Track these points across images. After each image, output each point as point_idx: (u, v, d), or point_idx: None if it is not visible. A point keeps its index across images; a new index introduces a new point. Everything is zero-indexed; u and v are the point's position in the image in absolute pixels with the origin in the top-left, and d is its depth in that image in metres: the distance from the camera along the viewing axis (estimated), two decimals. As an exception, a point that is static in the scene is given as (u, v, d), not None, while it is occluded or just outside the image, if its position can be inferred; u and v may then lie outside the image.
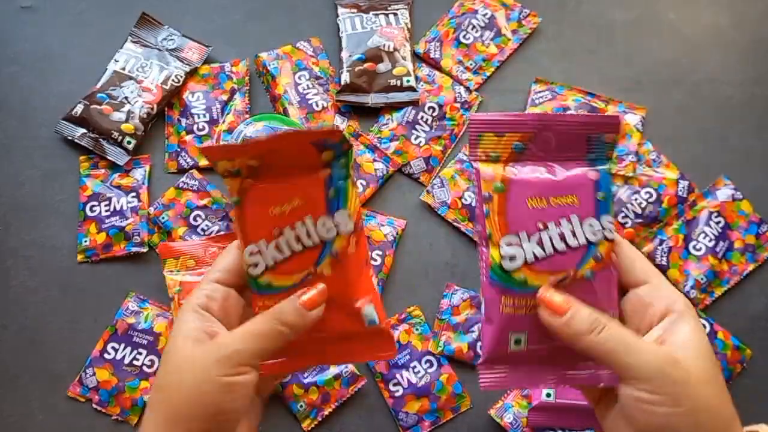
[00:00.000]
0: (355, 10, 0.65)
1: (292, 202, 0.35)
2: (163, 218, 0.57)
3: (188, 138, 0.60)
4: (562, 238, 0.34)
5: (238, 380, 0.33)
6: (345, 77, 0.61)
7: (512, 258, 0.34)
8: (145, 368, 0.53)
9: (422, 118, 0.61)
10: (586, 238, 0.35)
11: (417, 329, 0.56)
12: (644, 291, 0.35)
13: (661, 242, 0.58)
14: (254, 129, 0.52)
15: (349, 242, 0.35)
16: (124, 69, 0.62)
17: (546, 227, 0.34)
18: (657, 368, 0.31)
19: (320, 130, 0.33)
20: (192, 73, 0.62)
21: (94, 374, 0.53)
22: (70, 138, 0.59)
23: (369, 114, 0.62)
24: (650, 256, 0.58)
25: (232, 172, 0.35)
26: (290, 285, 0.35)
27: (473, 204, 0.58)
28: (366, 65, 0.62)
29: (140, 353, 0.54)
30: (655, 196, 0.59)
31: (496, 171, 0.35)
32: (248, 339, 0.33)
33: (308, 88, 0.62)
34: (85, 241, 0.57)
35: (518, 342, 0.35)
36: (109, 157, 0.59)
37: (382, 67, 0.62)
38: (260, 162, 0.34)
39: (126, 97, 0.60)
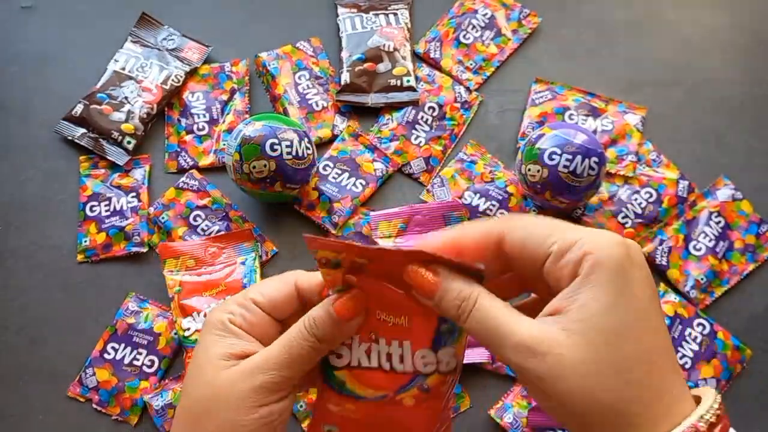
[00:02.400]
0: (355, 10, 0.65)
1: (398, 319, 0.32)
2: (163, 218, 0.57)
3: (188, 138, 0.60)
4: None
5: (278, 407, 0.30)
6: (345, 77, 0.61)
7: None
8: (145, 368, 0.53)
9: (422, 118, 0.61)
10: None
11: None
12: (547, 268, 0.28)
13: (661, 242, 0.58)
14: (254, 128, 0.52)
15: (446, 382, 0.32)
16: (124, 69, 0.62)
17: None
18: (521, 364, 0.27)
19: (462, 262, 0.29)
20: (192, 73, 0.62)
21: (94, 374, 0.53)
22: (70, 138, 0.59)
23: (369, 114, 0.62)
24: (650, 256, 0.58)
25: (331, 262, 0.31)
26: (362, 395, 0.32)
27: (473, 203, 0.58)
28: (366, 65, 0.62)
29: (140, 353, 0.54)
30: (655, 196, 0.59)
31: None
32: (287, 363, 0.30)
33: (308, 88, 0.62)
34: (85, 241, 0.57)
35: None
36: (109, 157, 0.59)
37: (382, 67, 0.62)
38: (370, 263, 0.31)
39: (126, 97, 0.60)
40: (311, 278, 0.34)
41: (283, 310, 0.34)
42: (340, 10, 0.65)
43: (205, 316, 0.52)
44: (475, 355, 0.53)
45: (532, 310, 0.31)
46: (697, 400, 0.28)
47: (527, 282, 0.33)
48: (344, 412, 0.33)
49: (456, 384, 0.33)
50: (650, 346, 0.27)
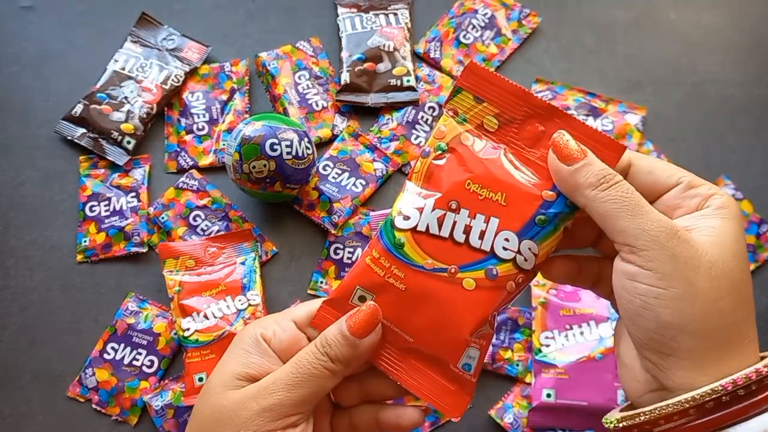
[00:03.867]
0: (355, 10, 0.65)
1: (494, 194, 0.30)
2: (162, 218, 0.57)
3: (188, 138, 0.60)
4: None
5: None
6: (345, 77, 0.61)
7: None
8: (144, 368, 0.53)
9: (422, 117, 0.61)
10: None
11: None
12: (672, 194, 0.30)
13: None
14: (253, 128, 0.52)
15: (515, 279, 0.31)
16: (123, 69, 0.62)
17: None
18: (654, 237, 0.27)
19: (612, 139, 0.30)
20: (192, 73, 0.62)
21: (93, 374, 0.53)
22: (69, 138, 0.59)
23: (369, 114, 0.62)
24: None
25: (457, 113, 0.31)
26: (419, 264, 0.31)
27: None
28: (366, 65, 0.62)
29: (140, 353, 0.54)
30: (655, 196, 0.59)
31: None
32: (295, 383, 0.29)
33: (308, 87, 0.62)
34: (85, 241, 0.57)
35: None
36: (108, 157, 0.59)
37: (382, 66, 0.62)
38: (499, 124, 0.30)
39: (126, 97, 0.60)
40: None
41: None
42: (340, 9, 0.65)
43: (205, 316, 0.52)
44: None
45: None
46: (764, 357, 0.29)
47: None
48: (389, 277, 0.31)
49: (522, 290, 0.32)
50: (751, 287, 0.29)
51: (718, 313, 0.27)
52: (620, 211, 0.28)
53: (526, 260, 0.31)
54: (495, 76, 0.31)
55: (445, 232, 0.31)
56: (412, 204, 0.31)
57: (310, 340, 0.33)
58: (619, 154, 0.30)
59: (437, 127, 0.32)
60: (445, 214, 0.31)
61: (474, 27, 0.65)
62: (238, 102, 0.62)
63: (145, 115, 0.60)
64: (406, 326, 0.32)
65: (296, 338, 0.32)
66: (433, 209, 0.31)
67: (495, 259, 0.30)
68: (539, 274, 0.33)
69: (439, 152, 0.32)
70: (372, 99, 0.61)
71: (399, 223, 0.31)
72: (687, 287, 0.27)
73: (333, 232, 0.57)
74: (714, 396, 0.26)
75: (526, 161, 0.31)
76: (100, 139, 0.59)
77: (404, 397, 0.46)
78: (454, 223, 0.30)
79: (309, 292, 0.57)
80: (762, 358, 0.28)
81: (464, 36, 0.65)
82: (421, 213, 0.31)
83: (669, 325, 0.27)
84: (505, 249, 0.30)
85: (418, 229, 0.31)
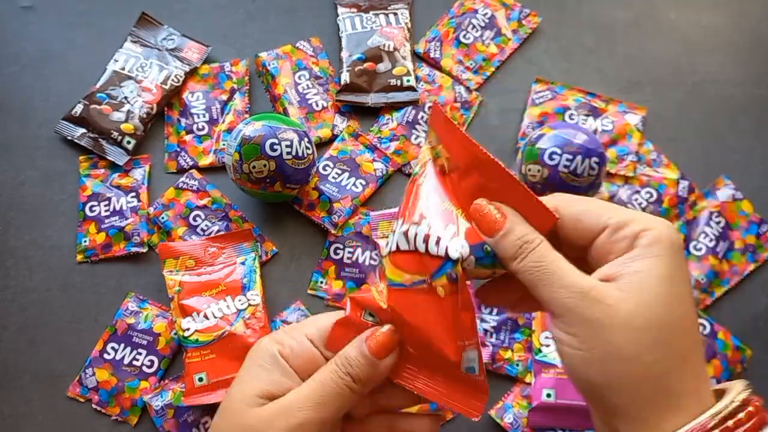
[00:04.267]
0: (355, 10, 0.65)
1: (449, 205, 0.32)
2: (162, 218, 0.57)
3: (188, 138, 0.60)
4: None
5: None
6: (345, 77, 0.61)
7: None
8: (144, 368, 0.53)
9: (422, 117, 0.61)
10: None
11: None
12: (602, 239, 0.29)
13: (662, 242, 0.58)
14: (253, 128, 0.52)
15: (466, 276, 0.31)
16: (123, 69, 0.62)
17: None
18: (569, 305, 0.27)
19: (539, 203, 0.30)
20: (192, 73, 0.62)
21: (93, 374, 0.53)
22: (69, 138, 0.59)
23: (369, 114, 0.62)
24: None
25: (433, 147, 0.32)
26: (400, 282, 0.32)
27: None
28: (366, 65, 0.62)
29: (140, 353, 0.54)
30: (655, 196, 0.59)
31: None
32: (320, 403, 0.30)
33: (308, 87, 0.62)
34: (85, 241, 0.57)
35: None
36: (108, 157, 0.59)
37: (382, 66, 0.62)
38: (449, 169, 0.31)
39: (126, 97, 0.60)
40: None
41: (337, 347, 0.33)
42: (340, 9, 0.65)
43: (205, 316, 0.52)
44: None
45: None
46: (719, 393, 0.28)
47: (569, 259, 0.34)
48: (381, 301, 0.32)
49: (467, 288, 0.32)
50: (694, 326, 0.28)
51: (643, 368, 0.26)
52: (536, 282, 0.28)
53: (457, 251, 0.31)
54: (448, 121, 0.32)
55: (411, 246, 0.31)
56: (391, 228, 0.33)
57: (324, 356, 0.33)
58: (548, 221, 0.30)
59: (421, 149, 0.34)
60: (409, 228, 0.32)
61: (474, 27, 0.65)
62: (238, 102, 0.62)
63: (145, 115, 0.60)
64: (407, 342, 0.33)
65: (312, 355, 0.33)
66: (401, 225, 0.32)
67: (450, 262, 0.31)
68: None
69: (414, 175, 0.33)
70: (372, 99, 0.61)
71: (383, 250, 0.33)
72: (605, 347, 0.27)
73: (333, 232, 0.57)
74: None
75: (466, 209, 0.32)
76: (100, 139, 0.59)
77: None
78: (416, 234, 0.31)
79: (309, 292, 0.57)
80: (718, 395, 0.28)
81: (464, 36, 0.65)
82: (393, 233, 0.32)
83: (596, 385, 0.27)
84: (456, 250, 0.31)
85: (392, 249, 0.32)
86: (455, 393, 0.32)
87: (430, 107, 0.33)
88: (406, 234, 0.31)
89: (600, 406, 0.28)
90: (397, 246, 0.32)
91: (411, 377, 0.33)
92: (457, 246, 0.30)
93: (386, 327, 0.31)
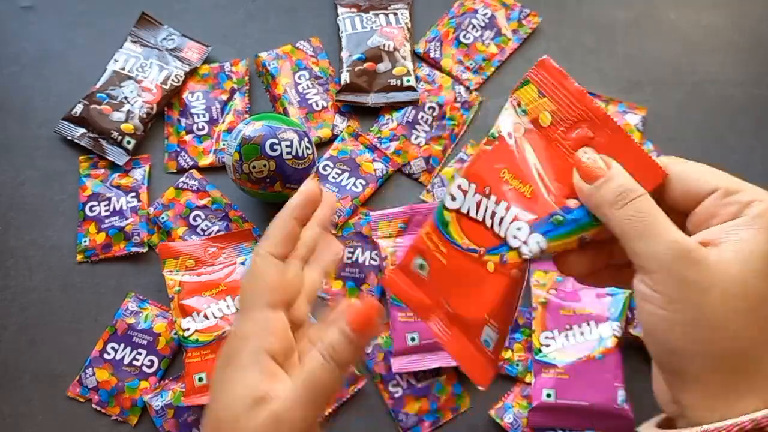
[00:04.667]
0: (355, 10, 0.65)
1: (523, 186, 0.32)
2: (162, 218, 0.57)
3: (188, 138, 0.60)
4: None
5: None
6: (345, 77, 0.61)
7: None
8: (144, 368, 0.53)
9: (422, 117, 0.61)
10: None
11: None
12: (709, 202, 0.28)
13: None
14: (253, 128, 0.52)
15: (520, 267, 0.31)
16: (123, 69, 0.62)
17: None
18: (665, 261, 0.26)
19: (652, 162, 0.30)
20: (192, 73, 0.62)
21: (93, 374, 0.53)
22: (69, 138, 0.59)
23: (369, 114, 0.62)
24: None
25: (519, 104, 0.33)
26: (458, 243, 0.33)
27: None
28: (366, 65, 0.62)
29: (140, 353, 0.54)
30: (655, 196, 0.59)
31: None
32: (310, 401, 0.29)
33: (308, 87, 0.62)
34: (85, 241, 0.57)
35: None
36: (108, 157, 0.59)
37: (382, 66, 0.62)
38: (552, 121, 0.32)
39: (126, 97, 0.60)
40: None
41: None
42: (340, 9, 0.65)
43: (205, 316, 0.52)
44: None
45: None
46: None
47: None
48: (437, 252, 0.34)
49: (524, 279, 0.33)
50: None
51: (730, 338, 0.25)
52: (632, 233, 0.27)
53: (530, 250, 0.31)
54: (562, 74, 0.32)
55: (480, 216, 0.33)
56: (459, 186, 0.34)
57: (292, 321, 0.33)
58: (656, 178, 0.30)
59: (499, 117, 0.34)
60: (481, 199, 0.33)
61: (474, 27, 0.65)
62: (238, 102, 0.62)
63: (145, 115, 0.60)
64: (447, 296, 0.34)
65: (290, 340, 0.32)
66: (475, 193, 0.33)
67: (506, 246, 0.32)
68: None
69: (491, 139, 0.34)
70: (372, 99, 0.61)
71: (448, 203, 0.34)
72: (694, 311, 0.25)
73: (333, 232, 0.57)
74: None
75: (565, 162, 0.32)
76: (100, 139, 0.59)
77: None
78: (486, 207, 0.32)
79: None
80: None
81: (464, 36, 0.65)
82: (465, 196, 0.33)
83: (675, 350, 0.26)
84: (514, 238, 0.31)
85: (461, 211, 0.33)
86: (471, 357, 0.33)
87: (537, 61, 0.33)
88: (478, 204, 0.33)
89: (672, 374, 0.27)
90: (468, 210, 0.33)
91: (442, 331, 0.34)
92: (522, 236, 0.31)
93: (364, 300, 0.31)
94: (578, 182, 0.30)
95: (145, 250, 0.57)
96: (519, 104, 0.33)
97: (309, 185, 0.35)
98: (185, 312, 0.53)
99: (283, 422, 0.29)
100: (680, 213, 0.30)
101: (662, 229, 0.27)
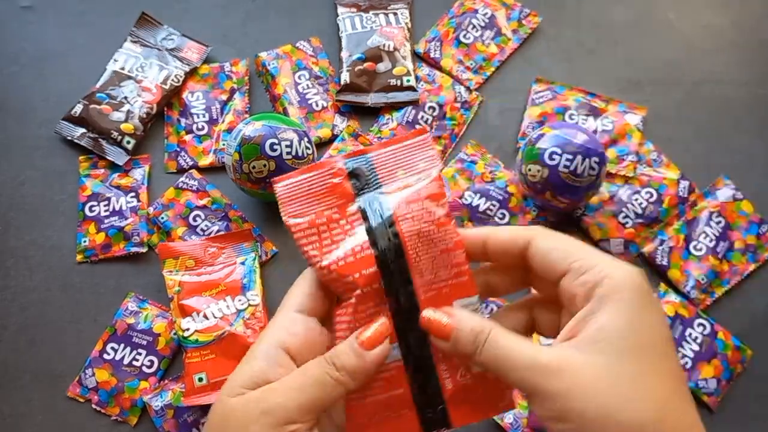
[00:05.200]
0: (354, 10, 0.65)
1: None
2: (162, 218, 0.57)
3: (188, 138, 0.60)
4: None
5: None
6: (345, 77, 0.61)
7: None
8: (144, 369, 0.53)
9: (422, 117, 0.61)
10: None
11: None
12: (565, 282, 0.29)
13: (662, 242, 0.58)
14: (253, 128, 0.52)
15: None
16: (123, 69, 0.62)
17: None
18: (535, 382, 0.27)
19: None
20: (191, 73, 0.62)
21: (93, 374, 0.53)
22: (69, 138, 0.59)
23: (369, 114, 0.62)
24: (651, 257, 0.57)
25: None
26: None
27: (473, 204, 0.58)
28: (366, 65, 0.62)
29: (139, 353, 0.53)
30: (655, 196, 0.59)
31: None
32: (298, 388, 0.29)
33: (308, 87, 0.62)
34: (85, 241, 0.57)
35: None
36: (108, 157, 0.59)
37: (382, 66, 0.62)
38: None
39: (125, 97, 0.60)
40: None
41: (324, 303, 0.33)
42: (340, 9, 0.65)
43: (205, 317, 0.52)
44: None
45: (529, 309, 0.33)
46: None
47: (542, 294, 0.34)
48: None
49: None
50: (667, 368, 0.27)
51: (620, 429, 0.25)
52: (500, 371, 0.28)
53: None
54: None
55: None
56: None
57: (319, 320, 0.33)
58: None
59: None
60: None
61: (474, 27, 0.65)
62: (238, 102, 0.62)
63: (144, 115, 0.60)
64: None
65: (311, 328, 0.32)
66: None
67: None
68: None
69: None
70: (372, 99, 0.61)
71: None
72: (582, 416, 0.26)
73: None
74: None
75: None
76: (99, 139, 0.59)
77: None
78: None
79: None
80: None
81: (464, 36, 0.65)
82: None
83: None
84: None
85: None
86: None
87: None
88: None
89: None
90: None
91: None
92: None
93: (379, 321, 0.31)
94: (438, 343, 0.30)
95: (144, 250, 0.57)
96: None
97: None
98: (185, 312, 0.53)
99: (266, 400, 0.28)
100: (551, 283, 0.31)
101: (519, 356, 0.28)
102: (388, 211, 0.31)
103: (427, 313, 0.30)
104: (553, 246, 0.30)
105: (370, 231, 0.31)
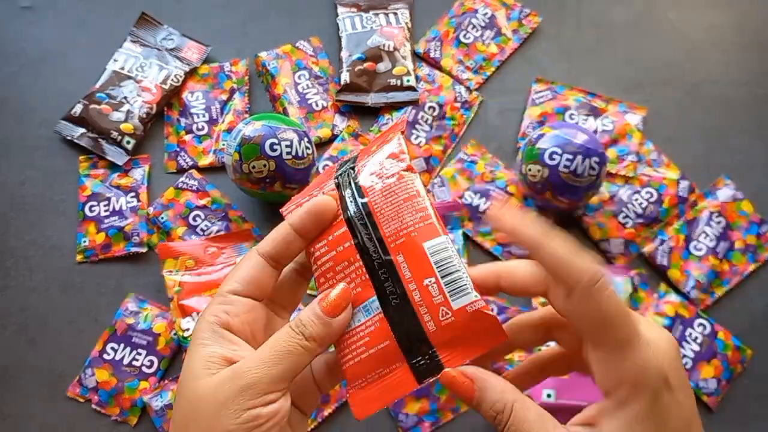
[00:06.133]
0: (354, 10, 0.65)
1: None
2: (162, 218, 0.57)
3: (187, 138, 0.60)
4: None
5: (267, 411, 0.28)
6: (345, 77, 0.61)
7: None
8: (144, 369, 0.53)
9: (422, 117, 0.61)
10: None
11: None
12: (595, 358, 0.29)
13: (662, 242, 0.58)
14: (253, 128, 0.52)
15: None
16: (123, 69, 0.61)
17: None
18: None
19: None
20: (191, 73, 0.62)
21: (93, 374, 0.53)
22: (69, 138, 0.59)
23: (369, 114, 0.62)
24: (651, 257, 0.57)
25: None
26: None
27: (473, 204, 0.58)
28: (366, 65, 0.62)
29: (139, 354, 0.53)
30: (655, 196, 0.59)
31: None
32: (271, 361, 0.29)
33: (308, 87, 0.62)
34: (85, 242, 0.57)
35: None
36: (108, 157, 0.59)
37: (382, 66, 0.62)
38: None
39: (125, 97, 0.60)
40: (274, 243, 0.32)
41: (265, 285, 0.32)
42: (340, 9, 0.65)
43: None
44: None
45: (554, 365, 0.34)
46: None
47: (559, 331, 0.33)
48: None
49: None
50: None
51: None
52: None
53: None
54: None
55: None
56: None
57: (257, 298, 0.32)
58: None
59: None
60: None
61: (474, 27, 0.65)
62: (238, 102, 0.62)
63: (144, 115, 0.60)
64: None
65: (246, 305, 0.31)
66: None
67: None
68: None
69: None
70: (372, 99, 0.61)
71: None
72: None
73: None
74: None
75: None
76: (99, 139, 0.59)
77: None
78: None
79: (309, 292, 0.57)
80: None
81: (464, 36, 0.65)
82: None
83: None
84: None
85: None
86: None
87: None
88: None
89: None
90: None
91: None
92: None
93: (339, 286, 0.31)
94: (462, 398, 0.30)
95: (144, 250, 0.57)
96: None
97: (322, 199, 0.32)
98: (185, 312, 0.53)
99: (241, 377, 0.28)
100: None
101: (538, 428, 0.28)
102: (358, 186, 0.32)
103: (451, 373, 0.30)
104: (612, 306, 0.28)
105: (345, 208, 0.32)
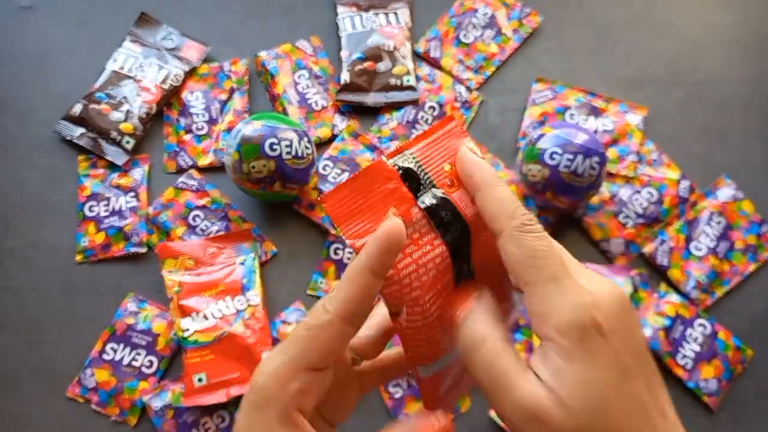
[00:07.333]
0: (354, 9, 0.64)
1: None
2: (161, 218, 0.57)
3: (187, 137, 0.60)
4: None
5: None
6: (345, 76, 0.61)
7: None
8: (143, 369, 0.53)
9: (422, 117, 0.61)
10: None
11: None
12: (528, 302, 0.27)
13: (663, 242, 0.58)
14: (253, 128, 0.52)
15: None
16: (122, 68, 0.61)
17: None
18: (520, 427, 0.25)
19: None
20: (191, 73, 0.62)
21: (93, 375, 0.53)
22: (69, 138, 0.59)
23: (369, 113, 0.62)
24: (651, 257, 0.57)
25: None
26: None
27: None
28: (366, 64, 0.62)
29: (139, 354, 0.53)
30: (656, 196, 0.59)
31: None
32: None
33: (308, 87, 0.62)
34: (84, 242, 0.57)
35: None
36: (107, 157, 0.59)
37: (382, 66, 0.62)
38: None
39: (125, 97, 0.60)
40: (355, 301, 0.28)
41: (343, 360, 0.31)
42: (340, 9, 0.65)
43: (204, 317, 0.52)
44: None
45: None
46: None
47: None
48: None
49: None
50: (633, 407, 0.25)
51: None
52: (485, 389, 0.27)
53: None
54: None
55: None
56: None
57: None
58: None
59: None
60: None
61: (474, 26, 0.65)
62: (238, 102, 0.62)
63: (144, 115, 0.60)
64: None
65: (326, 383, 0.28)
66: None
67: None
68: None
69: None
70: (372, 98, 0.61)
71: None
72: None
73: (333, 232, 0.57)
74: None
75: None
76: (99, 139, 0.59)
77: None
78: None
79: (309, 292, 0.57)
80: None
81: (464, 35, 0.64)
82: None
83: None
84: None
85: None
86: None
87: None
88: None
89: None
90: None
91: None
92: None
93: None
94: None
95: (144, 250, 0.57)
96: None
97: (391, 225, 0.26)
98: (184, 312, 0.52)
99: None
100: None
101: (505, 388, 0.26)
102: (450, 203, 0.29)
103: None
104: (525, 254, 0.27)
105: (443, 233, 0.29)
